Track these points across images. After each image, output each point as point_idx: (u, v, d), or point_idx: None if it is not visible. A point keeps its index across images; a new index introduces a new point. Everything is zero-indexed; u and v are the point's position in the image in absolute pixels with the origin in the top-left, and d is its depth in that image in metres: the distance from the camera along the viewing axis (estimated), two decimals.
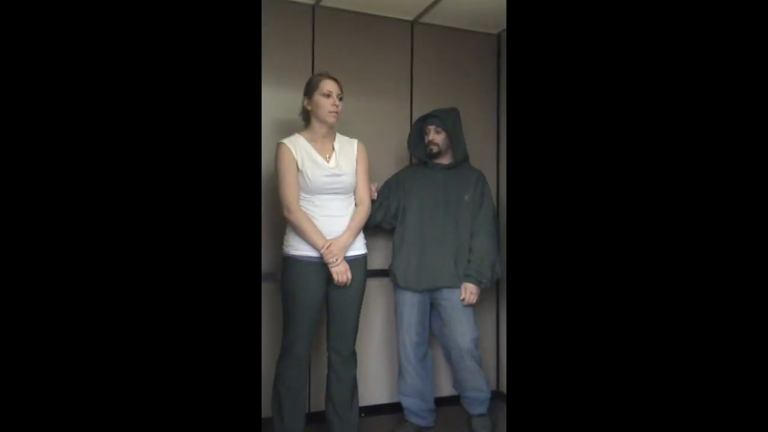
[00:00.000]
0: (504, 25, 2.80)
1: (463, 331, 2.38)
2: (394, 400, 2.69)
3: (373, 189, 2.31)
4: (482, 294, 2.84)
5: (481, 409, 2.48)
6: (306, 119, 2.13)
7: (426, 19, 2.72)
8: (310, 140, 2.08)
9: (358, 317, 2.17)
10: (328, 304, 2.14)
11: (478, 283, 2.35)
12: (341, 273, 2.02)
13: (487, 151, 2.91)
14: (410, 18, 2.72)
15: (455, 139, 2.42)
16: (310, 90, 2.06)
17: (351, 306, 2.12)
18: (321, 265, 2.04)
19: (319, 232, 2.01)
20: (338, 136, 2.16)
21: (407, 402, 2.50)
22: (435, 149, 2.41)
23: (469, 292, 2.35)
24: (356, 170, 2.13)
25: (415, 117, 2.70)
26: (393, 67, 2.72)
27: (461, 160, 2.45)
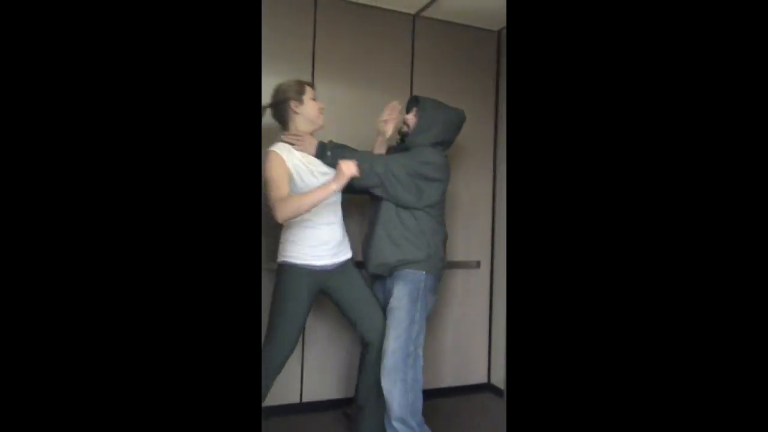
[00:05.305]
0: (504, 23, 2.82)
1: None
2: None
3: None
4: (473, 281, 2.95)
5: None
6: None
7: (428, 13, 2.72)
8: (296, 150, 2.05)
9: (379, 305, 2.14)
10: (342, 308, 2.15)
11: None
12: (349, 166, 1.87)
13: (484, 147, 2.93)
14: (412, 11, 2.71)
15: (419, 127, 2.16)
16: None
17: (366, 294, 2.14)
18: (315, 274, 2.03)
19: (319, 187, 1.92)
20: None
21: None
22: (404, 128, 2.23)
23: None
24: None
25: None
26: (393, 60, 2.72)
27: (412, 144, 2.15)
